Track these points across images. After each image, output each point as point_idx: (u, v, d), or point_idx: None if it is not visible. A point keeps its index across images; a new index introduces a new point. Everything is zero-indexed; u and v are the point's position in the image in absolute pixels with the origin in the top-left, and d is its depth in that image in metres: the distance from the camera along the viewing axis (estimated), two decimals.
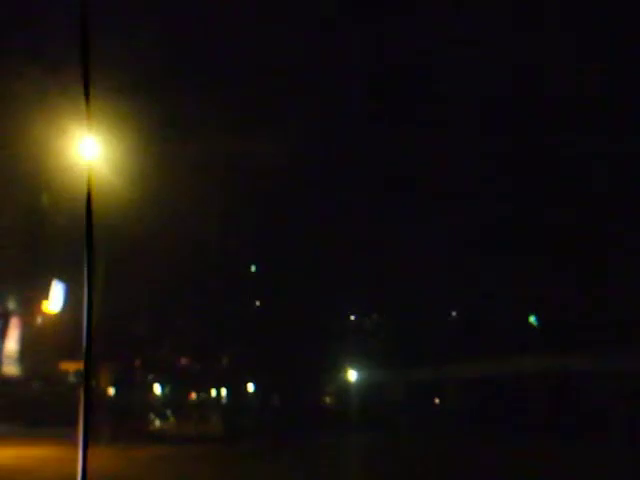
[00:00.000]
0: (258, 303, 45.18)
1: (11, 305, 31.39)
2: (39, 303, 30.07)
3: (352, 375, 42.01)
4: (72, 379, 31.61)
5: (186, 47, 31.73)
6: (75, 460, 3.82)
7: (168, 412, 39.53)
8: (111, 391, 35.89)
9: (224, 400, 51.04)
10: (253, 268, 44.06)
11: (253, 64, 32.71)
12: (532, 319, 36.11)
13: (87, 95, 6.95)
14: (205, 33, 32.85)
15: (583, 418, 27.04)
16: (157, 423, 38.13)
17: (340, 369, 42.19)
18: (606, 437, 22.71)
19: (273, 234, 38.94)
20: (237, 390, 48.61)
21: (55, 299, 29.52)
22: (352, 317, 43.97)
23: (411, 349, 39.58)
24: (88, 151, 8.56)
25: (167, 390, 48.30)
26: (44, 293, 29.34)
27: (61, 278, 29.06)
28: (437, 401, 40.99)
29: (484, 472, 13.79)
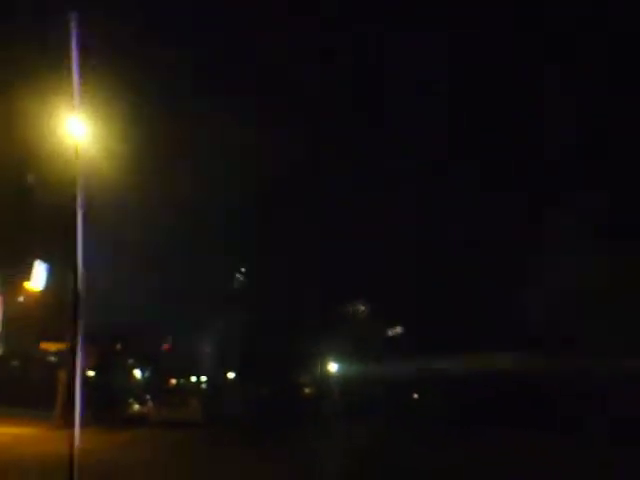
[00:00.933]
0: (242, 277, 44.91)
1: None
2: (21, 282, 29.74)
3: (332, 367, 42.15)
4: (52, 359, 31.36)
5: (183, 36, 31.45)
6: (52, 439, 3.80)
7: (147, 397, 39.43)
8: (91, 374, 35.66)
9: (204, 386, 50.99)
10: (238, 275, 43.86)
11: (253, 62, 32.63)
12: None
13: (77, 75, 6.86)
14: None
15: (559, 418, 27.36)
16: (136, 407, 38.01)
17: (320, 360, 42.31)
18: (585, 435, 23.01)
19: (262, 225, 38.92)
20: (217, 377, 48.58)
21: (38, 278, 29.21)
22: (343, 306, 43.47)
23: (388, 344, 39.77)
24: (76, 130, 8.43)
25: (147, 375, 48.13)
26: (27, 272, 29.02)
27: (44, 258, 28.76)
28: (416, 396, 41.28)
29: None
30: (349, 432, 25.11)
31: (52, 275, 28.80)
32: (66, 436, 5.44)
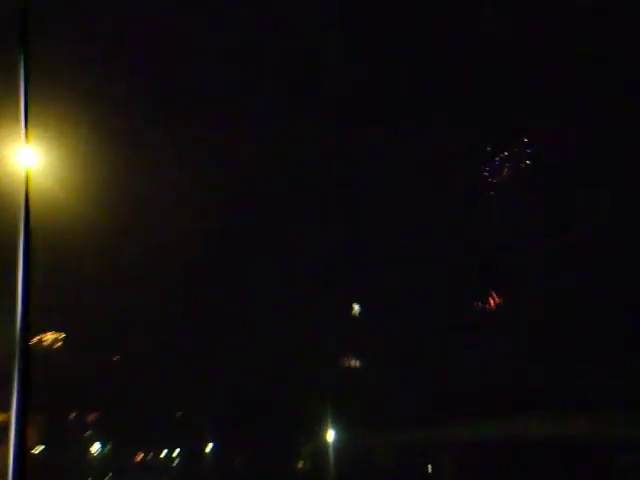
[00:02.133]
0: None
1: None
2: None
3: (330, 435, 40.77)
4: None
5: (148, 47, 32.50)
6: None
7: (108, 477, 38.04)
8: (38, 450, 34.38)
9: (176, 462, 49.40)
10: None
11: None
12: None
13: (26, 103, 6.73)
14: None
15: None
16: None
17: (317, 428, 41.01)
18: None
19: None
20: (192, 450, 47.09)
21: None
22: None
23: (399, 407, 38.88)
24: (26, 159, 8.31)
25: (108, 449, 46.46)
26: None
27: None
28: (429, 469, 40.20)
29: None
30: None
31: None
32: None
